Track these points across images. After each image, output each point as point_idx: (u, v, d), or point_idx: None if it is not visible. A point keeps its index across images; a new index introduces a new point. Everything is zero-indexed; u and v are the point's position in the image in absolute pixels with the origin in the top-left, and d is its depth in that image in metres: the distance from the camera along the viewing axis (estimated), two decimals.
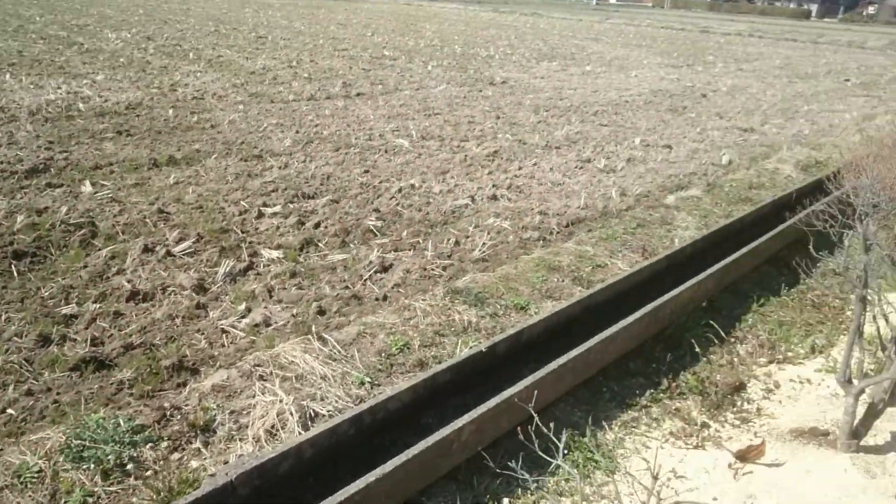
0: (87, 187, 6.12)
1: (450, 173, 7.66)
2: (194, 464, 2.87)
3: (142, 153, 7.39)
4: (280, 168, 7.29)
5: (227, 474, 2.47)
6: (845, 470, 3.12)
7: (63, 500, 2.64)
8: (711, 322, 4.45)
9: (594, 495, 3.01)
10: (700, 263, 4.89)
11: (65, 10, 25.14)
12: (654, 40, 30.85)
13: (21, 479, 2.70)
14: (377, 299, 4.58)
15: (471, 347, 3.67)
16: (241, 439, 3.00)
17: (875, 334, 3.73)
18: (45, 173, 6.50)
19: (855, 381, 3.20)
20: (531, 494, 2.94)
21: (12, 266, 4.53)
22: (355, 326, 3.93)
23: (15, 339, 3.70)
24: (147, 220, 5.52)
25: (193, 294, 4.42)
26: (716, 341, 4.35)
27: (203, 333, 4.00)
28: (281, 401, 3.12)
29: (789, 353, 4.31)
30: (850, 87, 17.72)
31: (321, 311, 4.32)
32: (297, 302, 4.45)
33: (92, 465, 2.79)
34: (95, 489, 2.71)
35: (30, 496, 2.63)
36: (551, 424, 2.63)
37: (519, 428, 2.77)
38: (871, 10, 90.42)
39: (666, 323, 4.29)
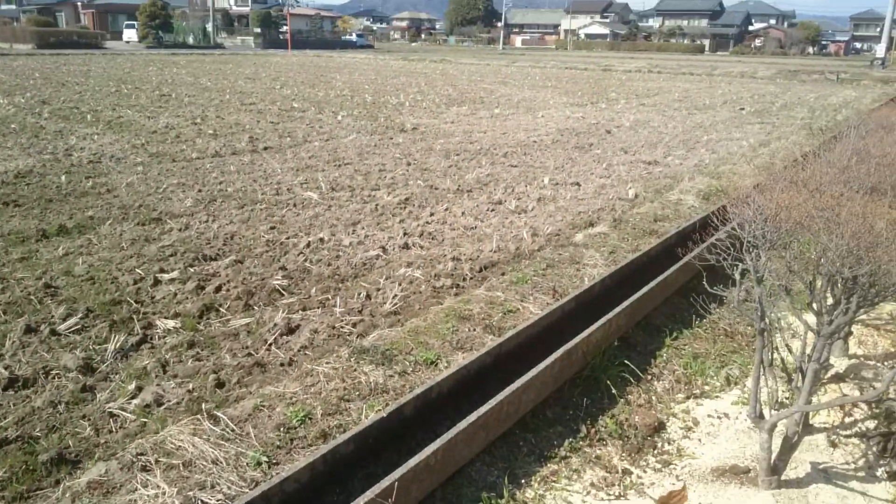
0: None
1: (360, 224, 7.50)
2: None
3: (29, 224, 6.92)
4: (180, 230, 6.96)
5: None
6: None
7: None
8: (626, 361, 4.39)
9: None
10: (610, 301, 4.86)
11: None
12: (560, 81, 31.90)
13: None
14: (282, 365, 4.33)
15: (377, 412, 3.47)
16: None
17: (789, 361, 3.76)
18: None
19: (767, 415, 3.17)
20: None
21: None
22: (252, 400, 3.67)
23: None
24: (32, 297, 5.10)
25: (79, 376, 4.06)
26: (632, 380, 4.29)
27: (89, 420, 3.64)
28: (164, 493, 2.83)
29: (706, 387, 4.29)
30: (745, 116, 18.66)
31: (220, 384, 4.03)
32: (194, 375, 4.15)
33: None
34: None
35: None
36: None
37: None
38: (758, 42, 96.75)
39: (581, 365, 4.20)
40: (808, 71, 41.00)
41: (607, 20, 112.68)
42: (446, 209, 8.26)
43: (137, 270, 5.74)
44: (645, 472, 3.49)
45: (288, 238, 6.86)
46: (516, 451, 3.54)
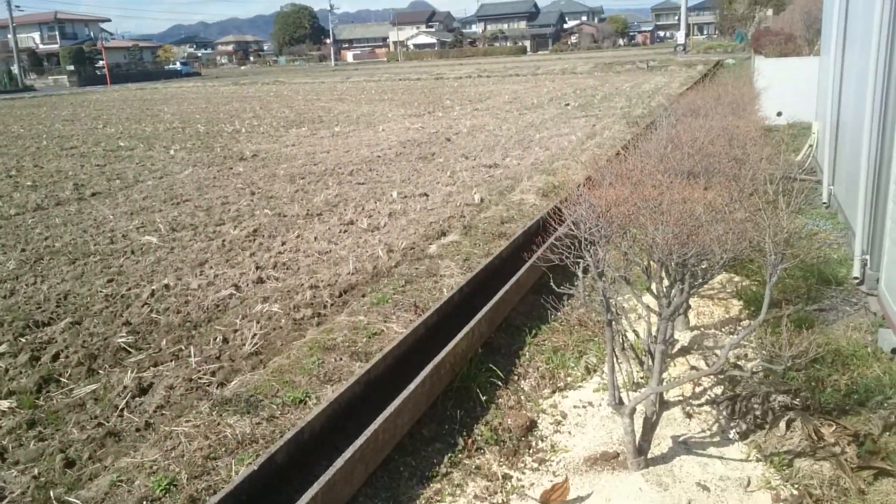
0: None
1: (208, 263, 7.18)
2: None
3: None
4: (4, 297, 6.34)
5: None
6: (640, 489, 3.23)
7: None
8: (492, 366, 4.49)
9: None
10: (471, 308, 4.96)
11: None
12: (395, 93, 32.28)
13: None
14: (138, 430, 4.03)
15: (247, 465, 3.31)
16: None
17: (635, 345, 3.99)
18: None
19: (625, 400, 3.35)
20: None
21: None
22: (107, 476, 3.38)
23: None
24: None
25: None
26: (500, 384, 4.39)
27: None
28: None
29: (568, 379, 4.47)
30: (571, 111, 19.77)
31: (69, 463, 3.69)
32: (39, 458, 3.77)
33: None
34: None
35: None
36: None
37: None
38: (573, 39, 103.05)
39: (450, 378, 4.25)
40: (622, 62, 44.21)
41: (433, 29, 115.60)
42: (298, 236, 8.10)
43: None
44: (524, 473, 3.57)
45: (129, 289, 6.44)
46: (397, 477, 3.52)
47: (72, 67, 68.14)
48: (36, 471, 3.64)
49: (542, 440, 3.87)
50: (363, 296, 5.99)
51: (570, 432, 3.92)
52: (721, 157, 4.63)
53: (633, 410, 3.31)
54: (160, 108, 30.34)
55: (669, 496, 3.20)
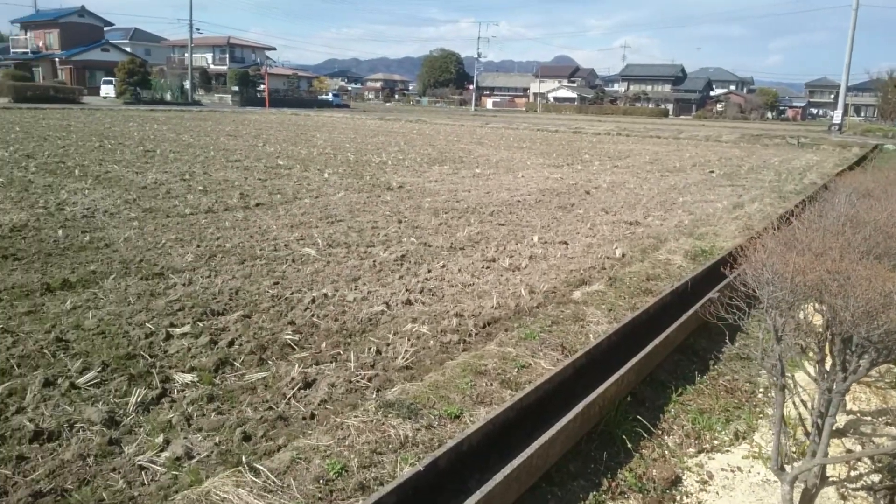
0: None
1: (361, 280, 7.64)
2: None
3: (32, 278, 6.94)
4: (184, 285, 7.03)
5: None
6: None
7: None
8: (638, 416, 4.55)
9: None
10: (616, 357, 5.05)
11: None
12: (534, 142, 32.74)
13: None
14: (304, 418, 4.40)
15: (411, 464, 3.57)
16: None
17: (792, 417, 3.96)
18: None
19: (787, 468, 3.34)
20: None
21: None
22: (288, 452, 3.74)
23: None
24: (45, 351, 5.12)
25: (104, 429, 4.09)
26: (645, 435, 4.44)
27: (119, 472, 3.68)
28: None
29: (715, 442, 4.46)
30: (715, 178, 19.36)
31: (246, 437, 4.09)
32: (219, 429, 4.20)
33: None
34: None
35: None
36: None
37: None
38: (719, 106, 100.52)
39: (597, 420, 4.36)
40: (770, 135, 42.66)
41: (574, 84, 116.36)
42: (443, 266, 8.45)
43: (148, 325, 5.79)
44: None
45: (292, 293, 6.97)
46: None
47: (236, 88, 73.89)
48: (217, 439, 4.07)
49: (687, 496, 3.89)
50: (506, 330, 6.19)
51: (717, 493, 3.91)
52: None
53: (795, 479, 3.29)
54: (313, 133, 32.33)
55: None
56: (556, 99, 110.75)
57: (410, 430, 4.02)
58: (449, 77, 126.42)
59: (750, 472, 4.08)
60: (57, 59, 72.64)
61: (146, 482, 3.61)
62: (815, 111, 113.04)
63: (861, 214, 4.80)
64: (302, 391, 4.78)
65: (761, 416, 4.85)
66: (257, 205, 12.01)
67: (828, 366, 3.40)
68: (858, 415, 4.99)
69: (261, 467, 3.55)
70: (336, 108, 76.40)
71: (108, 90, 63.45)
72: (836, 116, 55.66)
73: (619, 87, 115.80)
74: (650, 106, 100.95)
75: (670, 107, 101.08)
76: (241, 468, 3.54)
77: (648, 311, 6.20)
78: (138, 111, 46.22)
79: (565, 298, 7.13)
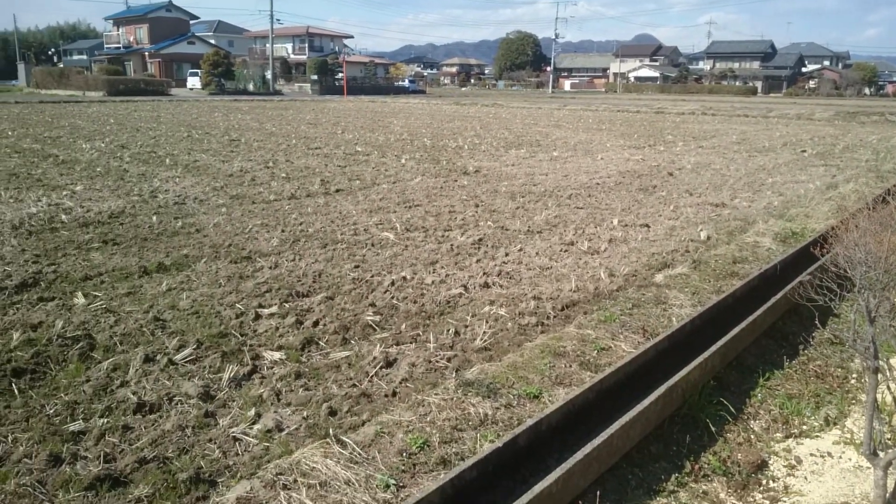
0: (79, 299, 6.04)
1: (439, 263, 7.73)
2: None
3: (130, 261, 7.36)
4: (270, 268, 7.30)
5: None
6: None
7: None
8: (723, 399, 4.46)
9: None
10: (700, 340, 4.95)
11: (36, 123, 25.43)
12: (613, 123, 32.07)
13: None
14: (386, 396, 4.53)
15: (491, 441, 3.63)
16: None
17: (887, 403, 3.80)
18: (35, 287, 6.42)
19: (881, 454, 3.22)
20: None
21: (13, 384, 4.41)
22: (372, 426, 3.87)
23: (25, 460, 3.57)
24: (144, 329, 5.44)
25: (200, 402, 4.33)
26: (729, 419, 4.36)
27: (215, 443, 3.89)
28: None
29: (804, 427, 4.32)
30: (807, 158, 18.50)
31: (332, 412, 4.25)
32: (307, 404, 4.38)
33: None
34: None
35: None
36: None
37: None
38: (811, 83, 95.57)
39: (679, 403, 4.30)
40: (868, 112, 40.34)
41: (657, 63, 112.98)
42: (520, 250, 8.44)
43: (238, 305, 6.06)
44: None
45: (372, 276, 7.13)
46: (625, 485, 3.65)
47: (315, 77, 75.49)
48: (305, 413, 4.24)
49: (774, 480, 3.80)
50: (585, 313, 6.16)
51: (805, 478, 3.81)
52: None
53: (889, 464, 3.17)
54: (390, 120, 32.70)
55: None
56: (637, 79, 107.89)
57: (490, 409, 4.08)
58: (525, 59, 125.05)
59: (841, 457, 3.94)
60: (146, 53, 75.98)
61: (240, 452, 3.80)
62: None
63: None
64: (384, 370, 4.91)
65: (853, 402, 4.67)
66: (337, 191, 12.29)
67: None
68: None
69: (347, 440, 3.69)
70: (412, 94, 77.00)
71: (194, 82, 66.00)
72: None
73: (704, 65, 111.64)
74: (737, 84, 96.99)
75: (759, 84, 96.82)
76: (328, 440, 3.69)
77: (735, 295, 6.04)
78: (222, 101, 47.89)
79: (647, 282, 7.01)
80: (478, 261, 7.90)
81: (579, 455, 3.30)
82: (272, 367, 4.92)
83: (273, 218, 9.83)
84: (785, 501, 3.59)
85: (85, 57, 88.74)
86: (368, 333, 5.62)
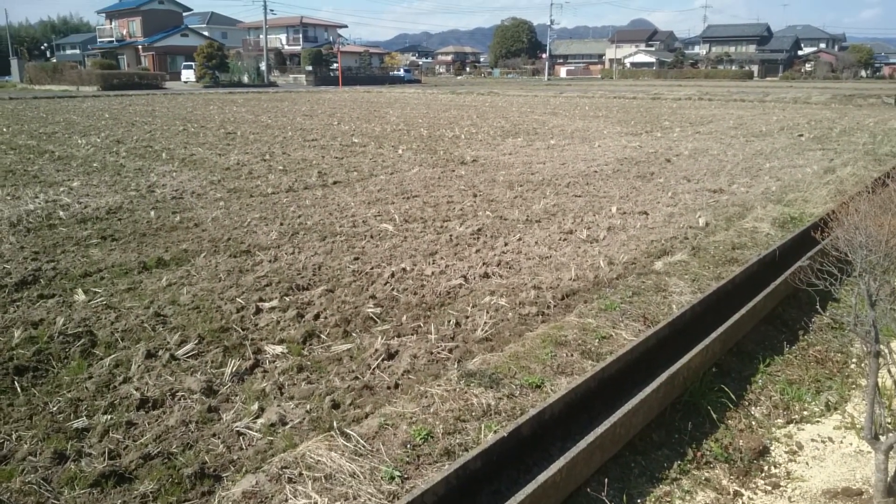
0: (79, 295, 6.04)
1: (438, 254, 7.73)
2: None
3: (130, 257, 7.35)
4: (270, 262, 7.29)
5: None
6: None
7: None
8: (723, 386, 4.48)
9: None
10: (701, 327, 4.97)
11: (30, 119, 25.32)
12: (610, 110, 32.00)
13: None
14: (389, 388, 4.54)
15: (495, 432, 3.64)
16: None
17: (888, 387, 3.82)
18: (34, 284, 6.41)
19: (882, 438, 3.24)
20: None
21: (15, 382, 4.41)
22: (376, 418, 3.89)
23: (30, 457, 3.58)
24: (145, 325, 5.44)
25: (203, 397, 4.34)
26: (730, 405, 4.38)
27: (219, 437, 3.91)
28: (315, 503, 3.04)
29: (805, 413, 4.35)
30: (805, 142, 18.48)
31: (335, 405, 4.26)
32: (310, 397, 4.39)
33: None
34: None
35: None
36: None
37: None
38: (808, 66, 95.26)
39: (681, 390, 4.31)
40: (864, 95, 40.29)
41: (652, 48, 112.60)
42: (519, 239, 8.44)
43: (238, 300, 6.06)
44: (755, 493, 3.57)
45: (372, 268, 7.13)
46: (628, 472, 3.67)
47: (310, 68, 75.12)
48: (308, 406, 4.25)
49: (776, 466, 3.83)
50: (586, 302, 6.16)
51: (806, 463, 3.83)
52: None
53: (890, 448, 3.19)
54: (386, 110, 32.60)
55: None
56: (633, 64, 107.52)
57: (492, 399, 4.09)
58: (521, 47, 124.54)
59: (842, 442, 3.97)
60: (140, 46, 75.56)
61: (244, 446, 3.82)
62: None
63: None
64: (385, 362, 4.92)
65: (854, 386, 4.69)
66: (335, 183, 12.27)
67: None
68: None
69: (351, 432, 3.70)
70: (407, 84, 76.70)
71: (188, 75, 65.65)
72: None
73: (700, 50, 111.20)
74: (733, 68, 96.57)
75: (755, 68, 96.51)
76: (332, 433, 3.70)
77: (734, 281, 6.05)
78: (217, 94, 47.70)
79: (646, 269, 7.02)
80: (477, 251, 7.91)
81: (582, 444, 3.32)
82: (274, 361, 4.93)
83: (271, 211, 9.81)
84: (787, 487, 3.61)
85: (78, 51, 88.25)
86: (369, 326, 5.63)
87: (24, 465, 3.52)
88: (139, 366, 4.73)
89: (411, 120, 26.47)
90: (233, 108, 32.87)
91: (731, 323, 4.87)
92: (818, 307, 5.30)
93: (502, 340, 5.33)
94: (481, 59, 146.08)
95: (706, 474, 3.72)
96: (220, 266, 7.08)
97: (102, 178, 12.43)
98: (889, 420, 4.01)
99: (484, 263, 7.35)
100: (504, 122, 25.85)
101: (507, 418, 3.90)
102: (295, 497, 3.13)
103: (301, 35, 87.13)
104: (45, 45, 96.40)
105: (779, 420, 4.30)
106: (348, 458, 3.45)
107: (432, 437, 3.69)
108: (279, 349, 5.12)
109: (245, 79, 67.76)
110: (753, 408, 4.45)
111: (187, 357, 4.91)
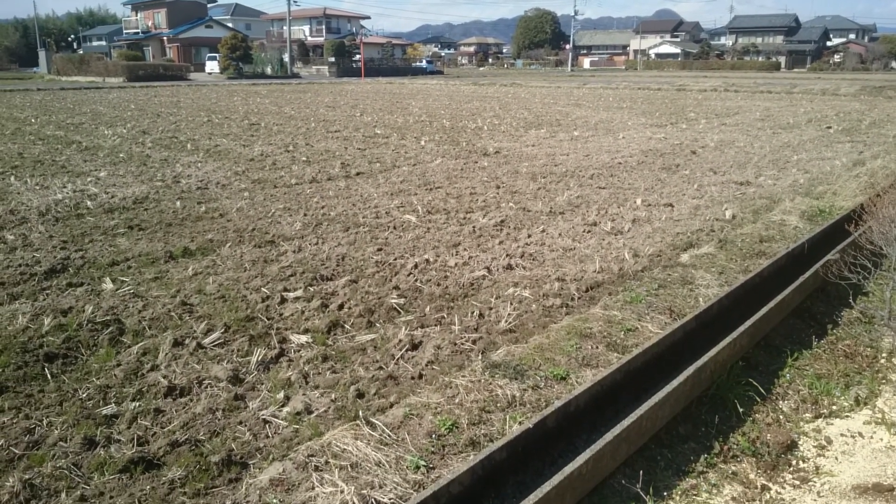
0: (107, 284, 6.12)
1: (461, 245, 7.72)
2: None
3: (156, 246, 7.43)
4: (294, 252, 7.33)
5: None
6: None
7: None
8: (751, 380, 4.43)
9: None
10: (728, 320, 4.91)
11: (58, 110, 25.68)
12: (634, 101, 31.71)
13: None
14: (413, 378, 4.55)
15: (520, 423, 3.63)
16: None
17: None
18: (63, 273, 6.51)
19: None
20: None
21: (45, 369, 4.49)
22: (400, 408, 3.90)
23: (60, 443, 3.64)
24: (172, 314, 5.50)
25: (230, 385, 4.38)
26: (758, 399, 4.33)
27: (246, 425, 3.94)
28: (342, 492, 3.06)
29: (834, 407, 4.29)
30: (833, 134, 18.18)
31: (360, 395, 4.28)
32: (335, 386, 4.41)
33: None
34: None
35: None
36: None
37: None
38: (837, 58, 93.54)
39: (708, 384, 4.27)
40: (895, 86, 39.48)
41: (678, 39, 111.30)
42: (542, 231, 8.41)
43: (263, 289, 6.10)
44: (784, 488, 3.53)
45: (395, 259, 7.14)
46: (654, 466, 3.64)
47: (332, 59, 75.29)
48: (333, 395, 4.27)
49: (804, 461, 3.78)
50: (610, 294, 6.12)
51: (836, 458, 3.78)
52: None
53: None
54: (408, 101, 32.58)
55: None
56: (657, 55, 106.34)
57: (517, 391, 4.09)
58: (544, 37, 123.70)
59: (872, 437, 3.91)
60: (165, 38, 76.27)
61: (270, 434, 3.85)
62: None
63: None
64: (409, 352, 4.93)
65: (884, 381, 4.61)
66: (358, 174, 12.30)
67: None
68: None
69: (376, 422, 3.72)
70: (430, 75, 76.56)
71: (212, 66, 66.16)
72: None
73: (727, 41, 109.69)
74: (760, 59, 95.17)
75: (782, 59, 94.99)
76: (357, 422, 3.72)
77: (762, 274, 5.97)
78: (241, 85, 48.00)
79: (672, 262, 6.96)
80: (500, 242, 7.88)
81: (608, 436, 3.30)
82: (299, 351, 4.96)
83: (295, 202, 9.86)
84: (815, 482, 3.56)
85: (104, 43, 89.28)
86: (393, 316, 5.64)
87: (55, 451, 3.58)
88: (166, 354, 4.78)
89: (434, 111, 26.43)
90: (256, 99, 33.06)
91: (759, 316, 4.81)
92: (850, 301, 5.21)
93: (526, 332, 5.31)
94: (504, 51, 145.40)
95: (733, 468, 3.68)
96: (245, 256, 7.13)
97: (129, 168, 12.57)
98: None
99: (507, 255, 7.33)
100: (527, 113, 25.72)
101: (532, 410, 3.89)
102: (322, 485, 3.15)
103: (324, 26, 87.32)
104: (72, 36, 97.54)
105: (807, 414, 4.24)
106: (374, 447, 3.47)
107: (457, 427, 3.70)
108: (304, 339, 5.15)
109: (268, 70, 68.09)
110: (781, 402, 4.40)
111: (214, 345, 4.96)
